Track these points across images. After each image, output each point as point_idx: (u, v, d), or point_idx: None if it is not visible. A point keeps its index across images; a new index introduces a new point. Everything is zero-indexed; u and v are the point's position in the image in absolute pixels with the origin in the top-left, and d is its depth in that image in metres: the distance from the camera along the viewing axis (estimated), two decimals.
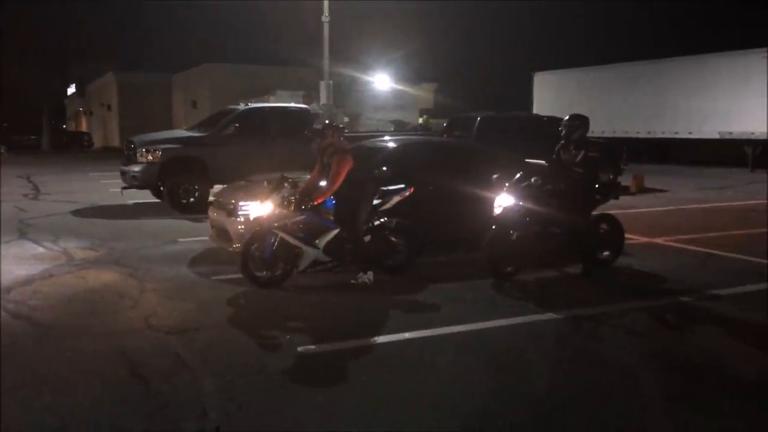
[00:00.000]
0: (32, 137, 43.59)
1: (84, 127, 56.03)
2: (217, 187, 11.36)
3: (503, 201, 6.86)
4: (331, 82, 18.05)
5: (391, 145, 8.91)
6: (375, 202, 6.91)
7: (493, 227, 6.83)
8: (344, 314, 5.75)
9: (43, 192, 15.37)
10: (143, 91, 42.22)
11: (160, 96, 41.34)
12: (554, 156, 7.26)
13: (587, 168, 6.97)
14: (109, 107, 47.54)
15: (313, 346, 4.83)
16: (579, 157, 6.97)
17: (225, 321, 5.50)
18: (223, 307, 5.92)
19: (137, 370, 4.35)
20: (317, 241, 6.49)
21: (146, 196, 13.07)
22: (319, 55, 18.29)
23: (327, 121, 7.60)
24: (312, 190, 6.82)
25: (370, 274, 6.71)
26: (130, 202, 13.34)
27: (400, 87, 26.65)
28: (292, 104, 15.42)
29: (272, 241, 6.40)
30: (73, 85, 57.22)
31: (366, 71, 26.19)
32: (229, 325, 5.40)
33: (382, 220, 7.01)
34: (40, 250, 8.30)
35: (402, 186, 7.13)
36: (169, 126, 34.83)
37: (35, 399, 3.94)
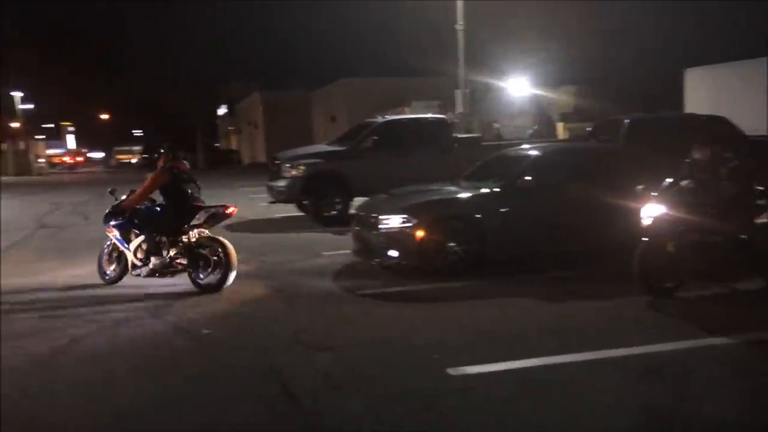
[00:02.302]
0: (188, 156, 47.04)
1: (234, 145, 59.75)
2: (359, 200, 11.53)
3: (652, 210, 6.30)
4: (467, 90, 17.85)
5: (534, 152, 8.56)
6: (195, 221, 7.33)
7: (644, 239, 6.29)
8: (494, 333, 5.50)
9: None
10: (286, 108, 44.24)
11: (301, 112, 43.10)
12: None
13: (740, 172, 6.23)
14: (255, 125, 50.32)
15: (463, 368, 4.63)
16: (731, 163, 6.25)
17: (372, 338, 5.45)
18: (369, 322, 5.90)
19: (289, 388, 4.38)
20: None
21: (291, 210, 13.53)
22: (454, 63, 18.15)
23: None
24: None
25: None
26: (277, 216, 13.87)
27: (538, 92, 25.85)
28: (429, 115, 15.37)
29: None
30: (224, 105, 61.18)
31: (502, 77, 25.67)
32: (376, 342, 5.34)
33: (193, 234, 7.31)
34: None
35: (221, 204, 7.65)
36: (310, 141, 36.15)
37: (196, 413, 4.07)
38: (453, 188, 8.18)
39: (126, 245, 7.45)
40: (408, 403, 4.10)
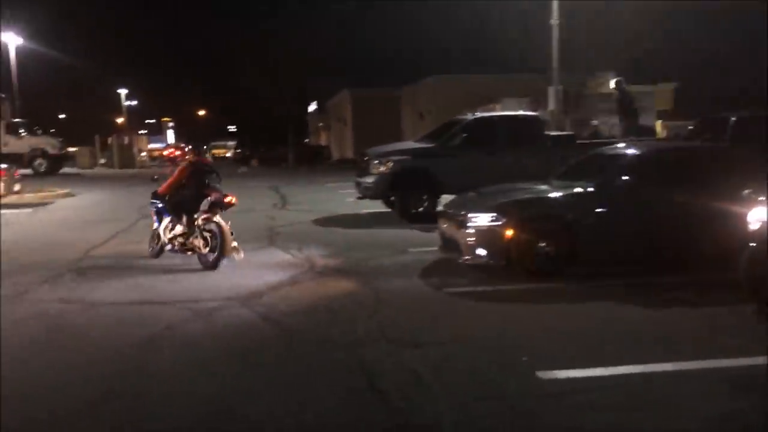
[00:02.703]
0: (279, 151, 48.24)
1: (323, 141, 60.87)
2: (446, 197, 11.46)
3: (760, 215, 5.86)
4: (560, 87, 17.37)
5: (632, 151, 8.21)
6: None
7: (751, 244, 5.88)
8: (585, 337, 5.31)
9: (289, 202, 16.82)
10: (374, 105, 44.64)
11: (390, 109, 43.35)
12: None
13: None
14: (344, 122, 51.07)
15: (553, 372, 4.49)
16: None
17: (459, 336, 5.38)
18: (456, 321, 5.84)
19: (376, 383, 4.38)
20: None
21: (378, 206, 13.61)
22: (545, 59, 17.71)
23: None
24: None
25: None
26: (364, 211, 13.99)
27: (635, 89, 24.83)
28: (521, 112, 15.06)
29: None
30: (314, 102, 62.44)
31: (596, 74, 24.83)
32: (463, 341, 5.26)
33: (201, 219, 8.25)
34: (287, 257, 8.95)
35: (223, 194, 8.50)
36: (399, 138, 36.29)
37: (281, 404, 4.14)
38: (544, 187, 7.97)
39: (159, 225, 8.77)
40: (498, 405, 4.02)
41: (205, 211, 8.29)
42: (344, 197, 17.01)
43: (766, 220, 5.83)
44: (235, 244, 8.25)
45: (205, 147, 9.78)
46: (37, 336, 5.59)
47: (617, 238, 7.29)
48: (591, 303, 6.29)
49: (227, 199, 8.52)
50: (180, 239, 8.45)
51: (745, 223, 6.00)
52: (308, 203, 16.27)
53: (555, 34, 16.94)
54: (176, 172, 8.79)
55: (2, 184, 16.47)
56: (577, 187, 7.62)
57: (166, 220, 8.68)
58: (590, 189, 7.46)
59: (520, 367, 4.61)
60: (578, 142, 13.10)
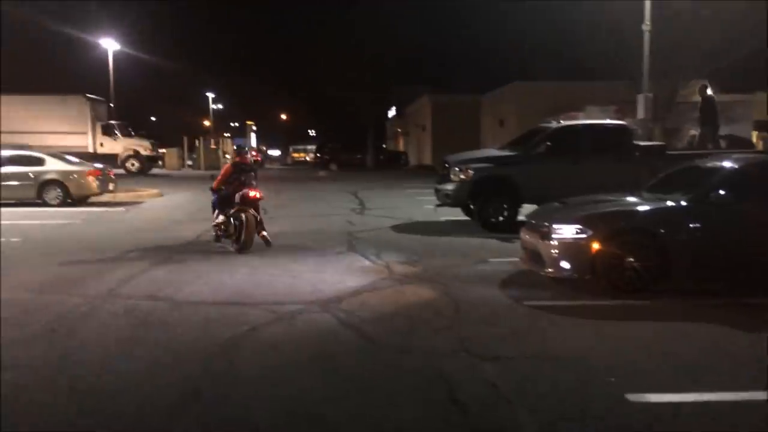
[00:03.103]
0: (358, 156, 48.75)
1: (401, 147, 61.04)
2: (527, 207, 11.23)
3: None
4: (650, 95, 16.70)
5: (731, 164, 7.77)
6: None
7: None
8: (678, 359, 5.05)
9: (368, 207, 16.93)
10: (454, 111, 44.33)
11: (469, 116, 42.97)
12: None
13: None
14: (423, 127, 51.03)
15: (644, 395, 4.28)
16: None
17: (542, 352, 5.23)
18: (538, 335, 5.68)
19: (455, 396, 4.31)
20: None
21: (456, 214, 13.49)
22: (633, 66, 17.04)
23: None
24: None
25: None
26: (442, 218, 13.91)
27: (729, 97, 23.62)
28: (608, 121, 14.57)
29: None
30: (393, 107, 62.74)
31: (689, 81, 23.75)
32: (546, 357, 5.11)
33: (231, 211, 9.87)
34: (366, 263, 8.98)
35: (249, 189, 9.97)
36: (478, 145, 35.94)
37: (360, 410, 4.13)
38: (634, 200, 7.67)
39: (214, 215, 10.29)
40: (584, 426, 3.87)
41: (238, 204, 9.79)
42: (422, 203, 16.97)
43: None
44: (264, 233, 10.00)
45: (246, 149, 13.85)
46: (127, 332, 5.80)
47: (714, 256, 6.93)
48: (685, 324, 5.99)
49: (251, 194, 9.87)
50: (222, 226, 9.99)
51: None
52: (387, 209, 16.32)
53: (646, 39, 16.29)
54: (222, 170, 10.42)
55: (97, 182, 17.31)
56: (670, 200, 7.29)
57: (215, 213, 10.25)
58: (684, 203, 7.12)
59: (609, 388, 4.42)
60: (670, 153, 12.54)
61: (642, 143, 13.03)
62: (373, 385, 4.55)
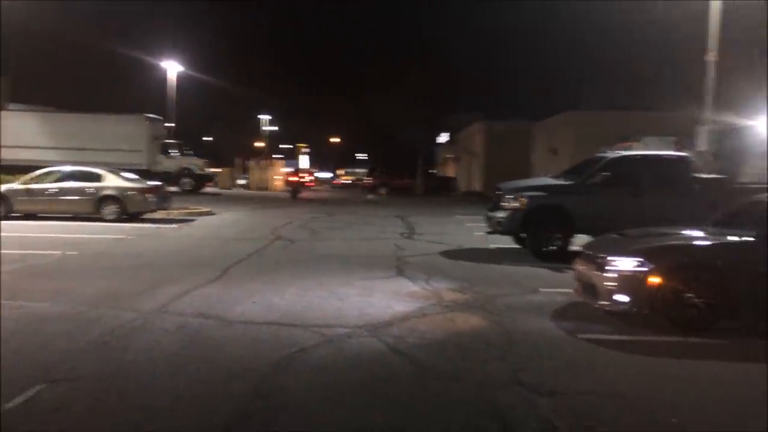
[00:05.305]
0: (407, 181, 48.86)
1: (450, 172, 60.96)
2: (581, 237, 10.97)
3: None
4: (713, 127, 16.23)
5: None
6: None
7: None
8: (740, 402, 4.78)
9: (416, 231, 16.84)
10: (506, 138, 44.12)
11: (521, 143, 42.67)
12: None
13: None
14: (473, 153, 50.89)
15: None
16: None
17: (598, 387, 5.02)
18: (594, 370, 5.47)
19: (506, 429, 4.15)
20: None
21: (506, 242, 13.28)
22: (690, 96, 16.59)
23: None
24: None
25: None
26: (492, 246, 13.71)
27: None
28: (668, 152, 14.19)
29: None
30: (446, 134, 62.83)
31: (750, 113, 23.05)
32: (603, 393, 4.91)
33: None
34: (415, 288, 8.87)
35: None
36: (529, 173, 35.56)
37: None
38: (697, 233, 7.38)
39: None
40: None
41: None
42: (472, 230, 16.79)
43: None
44: None
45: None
46: (177, 349, 5.83)
47: None
48: (749, 365, 5.69)
49: None
50: None
51: None
52: (435, 234, 16.20)
53: (710, 70, 15.86)
54: None
55: (154, 199, 17.73)
56: (735, 235, 6.99)
57: None
58: (749, 239, 6.82)
59: (670, 429, 4.20)
60: (732, 186, 12.11)
61: (703, 176, 12.62)
62: (423, 414, 4.43)
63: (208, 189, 36.31)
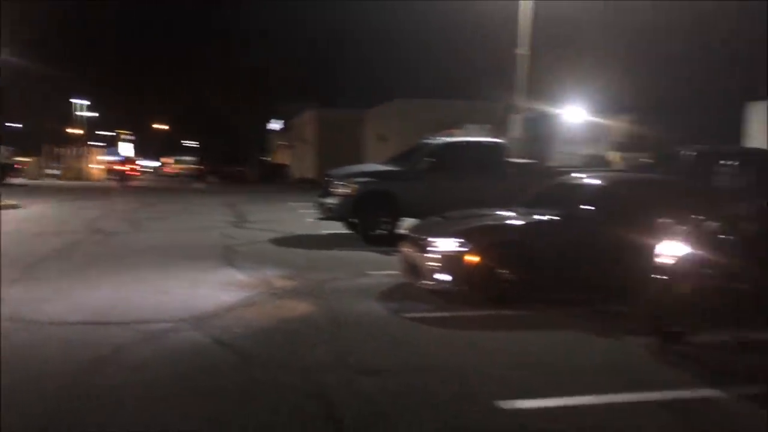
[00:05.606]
0: (239, 169, 47.76)
1: (284, 160, 60.49)
2: (408, 221, 11.36)
3: (670, 248, 5.77)
4: (524, 115, 17.56)
5: (596, 182, 8.24)
6: None
7: (659, 277, 5.71)
8: (544, 366, 5.22)
9: (247, 220, 16.50)
10: (338, 126, 44.52)
11: (352, 131, 43.32)
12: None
13: None
14: (306, 141, 50.85)
15: (513, 401, 4.38)
16: None
17: (419, 364, 5.24)
18: (416, 348, 5.69)
19: (333, 411, 4.21)
20: None
21: (337, 227, 13.44)
22: (505, 87, 17.84)
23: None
24: None
25: None
26: (323, 232, 13.80)
27: (594, 119, 25.30)
28: (488, 139, 15.06)
29: None
30: (280, 121, 62.10)
31: (557, 103, 25.23)
32: (423, 368, 5.12)
33: None
34: (243, 277, 8.68)
35: None
36: (360, 159, 36.19)
37: (238, 430, 3.92)
38: (508, 214, 7.92)
39: None
40: None
41: None
42: (304, 217, 16.79)
43: (678, 254, 5.64)
44: None
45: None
46: None
47: (577, 267, 7.26)
48: (550, 332, 6.20)
49: None
50: None
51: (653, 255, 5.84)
52: (267, 222, 15.99)
53: (520, 63, 17.12)
54: None
55: None
56: (542, 214, 7.58)
57: None
58: (554, 218, 7.44)
59: (481, 396, 4.48)
60: (539, 170, 13.15)
61: (516, 160, 13.59)
62: (249, 404, 4.33)
63: (14, 180, 33.06)
